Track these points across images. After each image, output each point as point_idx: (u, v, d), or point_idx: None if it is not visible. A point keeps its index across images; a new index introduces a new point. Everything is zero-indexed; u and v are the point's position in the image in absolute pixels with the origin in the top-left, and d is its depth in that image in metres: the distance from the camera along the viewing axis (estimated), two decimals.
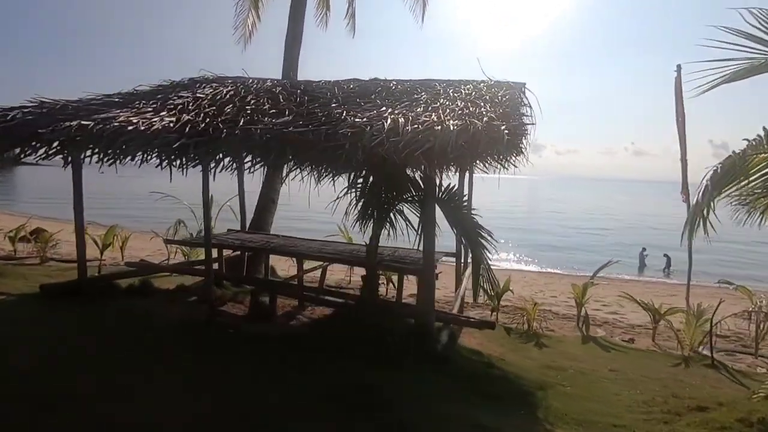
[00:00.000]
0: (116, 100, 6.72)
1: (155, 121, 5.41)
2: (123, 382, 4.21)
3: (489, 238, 5.03)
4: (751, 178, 4.19)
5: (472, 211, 5.06)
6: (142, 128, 5.18)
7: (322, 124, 4.90)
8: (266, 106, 5.96)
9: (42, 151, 5.47)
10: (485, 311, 8.81)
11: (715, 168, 4.16)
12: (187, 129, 5.09)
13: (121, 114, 5.70)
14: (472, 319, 6.41)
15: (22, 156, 5.63)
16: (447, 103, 5.79)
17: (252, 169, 5.27)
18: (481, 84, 7.07)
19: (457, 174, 6.56)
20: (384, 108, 5.48)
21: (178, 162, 5.15)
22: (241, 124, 5.17)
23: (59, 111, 5.97)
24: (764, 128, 4.13)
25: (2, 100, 7.65)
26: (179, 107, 6.09)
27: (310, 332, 5.61)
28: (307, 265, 8.45)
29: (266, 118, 5.44)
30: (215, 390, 4.18)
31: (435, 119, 4.88)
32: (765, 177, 4.09)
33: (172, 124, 5.18)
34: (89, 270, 9.41)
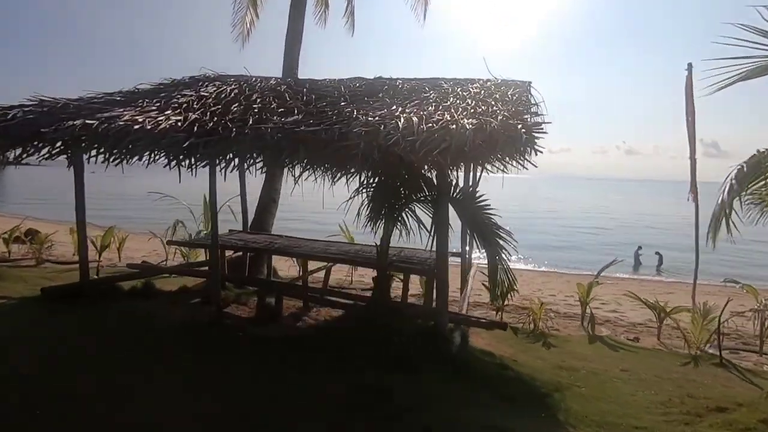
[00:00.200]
0: (118, 98, 6.59)
1: (161, 120, 5.31)
2: (133, 387, 4.12)
3: (508, 238, 4.96)
4: None
5: (491, 211, 4.99)
6: (149, 127, 5.08)
7: (334, 123, 4.83)
8: (273, 105, 5.88)
9: (45, 150, 5.33)
10: (489, 311, 8.78)
11: (740, 166, 4.13)
12: (195, 128, 5.00)
13: (125, 113, 5.59)
14: (483, 320, 6.36)
15: (24, 156, 5.49)
16: (457, 101, 5.73)
17: (263, 170, 5.16)
18: (488, 83, 7.03)
19: (461, 173, 6.51)
20: (394, 107, 5.42)
21: (187, 162, 5.02)
22: (250, 123, 5.08)
23: (60, 110, 5.84)
24: None
25: None
26: (184, 106, 5.99)
27: (321, 334, 5.52)
28: (311, 265, 8.37)
29: (275, 117, 5.35)
30: (236, 396, 4.09)
31: (448, 118, 4.82)
32: None
33: (179, 124, 5.08)
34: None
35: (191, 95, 6.48)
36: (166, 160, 4.98)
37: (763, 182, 4.02)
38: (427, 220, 5.63)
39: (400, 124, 4.55)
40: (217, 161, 5.33)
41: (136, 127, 5.06)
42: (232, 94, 6.53)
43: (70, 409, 3.67)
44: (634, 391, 5.01)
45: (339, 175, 5.40)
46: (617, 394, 4.85)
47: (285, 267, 10.52)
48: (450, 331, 5.42)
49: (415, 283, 8.37)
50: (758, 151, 4.07)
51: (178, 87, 7.19)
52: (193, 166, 5.04)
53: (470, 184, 5.27)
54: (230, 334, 5.58)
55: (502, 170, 4.31)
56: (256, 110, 5.65)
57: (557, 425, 3.96)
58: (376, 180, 5.28)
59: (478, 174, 4.58)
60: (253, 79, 7.71)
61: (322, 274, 8.44)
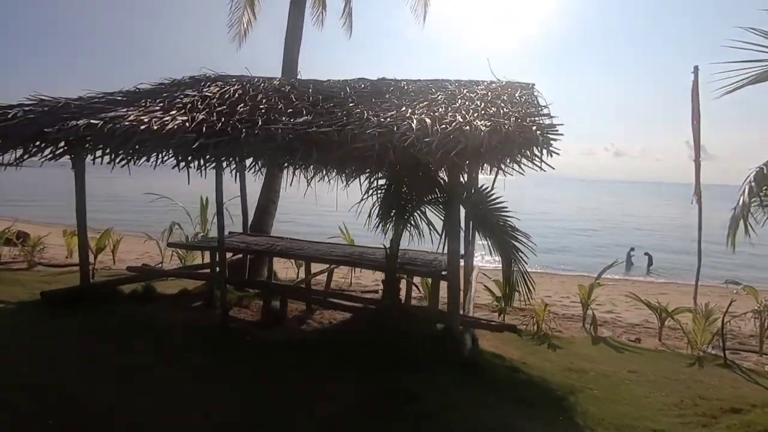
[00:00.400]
0: (119, 98, 6.47)
1: (167, 121, 5.21)
2: (151, 395, 4.01)
3: (525, 241, 4.94)
4: None
5: (507, 213, 4.96)
6: (155, 128, 4.98)
7: (346, 124, 4.76)
8: (280, 106, 5.80)
9: (48, 151, 5.20)
10: (489, 313, 8.77)
11: (760, 168, 4.16)
12: (204, 129, 4.91)
13: (129, 113, 5.48)
14: (494, 323, 6.33)
15: (26, 157, 5.35)
16: (466, 103, 5.70)
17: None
18: (492, 84, 7.02)
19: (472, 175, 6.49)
20: (403, 108, 5.37)
21: (196, 163, 4.92)
22: (259, 124, 5.00)
23: (61, 109, 5.71)
24: None
25: None
26: (188, 106, 5.89)
27: (331, 339, 5.45)
28: (313, 267, 8.29)
29: (283, 118, 5.28)
30: (257, 404, 4.02)
31: (460, 119, 4.79)
32: None
33: (187, 124, 4.99)
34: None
35: (194, 95, 6.38)
36: (174, 161, 4.88)
37: None
38: (436, 222, 5.61)
39: (414, 126, 4.51)
40: (226, 162, 5.23)
41: (143, 127, 4.96)
42: (236, 95, 6.44)
43: (86, 420, 3.57)
44: (646, 393, 5.01)
45: (352, 176, 5.31)
46: (630, 396, 4.85)
47: (282, 269, 10.43)
48: (460, 333, 5.38)
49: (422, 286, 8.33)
50: None
51: (179, 87, 7.08)
52: (204, 167, 4.94)
53: (482, 186, 5.21)
54: (239, 339, 5.48)
55: (519, 172, 4.28)
56: (263, 111, 5.57)
57: (577, 429, 3.94)
58: (387, 181, 5.22)
59: (493, 176, 4.56)
60: (255, 79, 7.62)
61: (321, 276, 8.36)
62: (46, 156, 5.29)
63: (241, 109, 5.68)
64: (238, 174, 7.77)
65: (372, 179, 5.28)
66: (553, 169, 4.18)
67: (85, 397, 3.91)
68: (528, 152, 4.26)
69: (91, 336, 5.34)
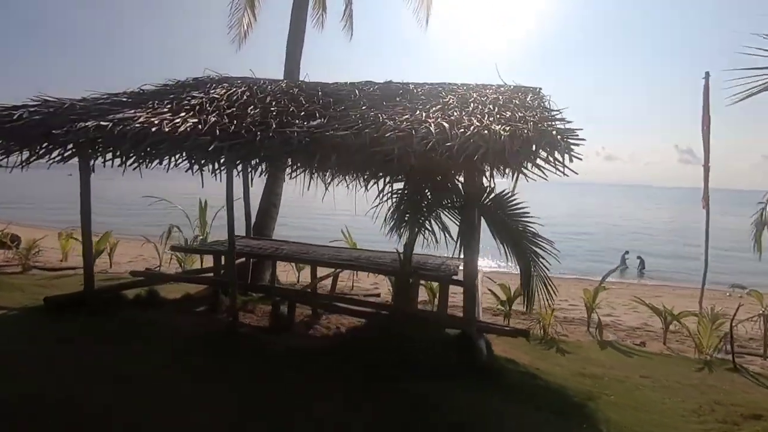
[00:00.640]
0: (124, 99, 6.36)
1: (178, 122, 5.12)
2: (173, 406, 3.89)
3: (547, 247, 4.89)
4: None
5: (528, 219, 4.92)
6: (167, 129, 4.88)
7: (363, 128, 4.70)
8: (291, 108, 5.72)
9: (56, 153, 5.07)
10: (492, 317, 8.74)
11: None
12: (218, 131, 4.82)
13: (138, 114, 5.37)
14: (506, 327, 6.29)
15: (32, 159, 5.21)
16: (479, 107, 5.67)
17: (293, 175, 5.00)
18: (501, 88, 6.99)
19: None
20: (418, 111, 5.32)
21: (210, 166, 4.83)
22: (273, 127, 4.92)
23: (67, 110, 5.59)
24: None
25: None
26: (197, 108, 5.79)
27: (345, 345, 5.35)
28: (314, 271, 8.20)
29: (296, 121, 5.21)
30: (282, 416, 3.92)
31: (477, 123, 4.75)
32: None
33: (200, 126, 4.89)
34: (78, 279, 8.95)
35: (202, 97, 6.28)
36: (188, 164, 4.78)
37: None
38: (449, 226, 5.56)
39: (433, 129, 4.46)
40: (241, 166, 5.14)
41: (154, 129, 4.86)
42: (244, 97, 6.35)
43: None
44: (662, 398, 5.00)
45: (370, 180, 5.23)
46: (647, 402, 4.83)
47: (282, 273, 10.32)
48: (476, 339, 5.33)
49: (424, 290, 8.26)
50: None
51: (185, 88, 6.97)
52: (218, 171, 4.85)
53: (503, 191, 5.14)
54: (252, 346, 5.35)
55: (543, 177, 4.25)
56: (274, 113, 5.49)
57: None
58: (402, 185, 5.16)
59: (506, 180, 4.53)
60: (261, 81, 7.53)
61: (323, 280, 8.27)
62: (54, 158, 5.16)
63: (252, 112, 5.60)
64: (242, 177, 7.69)
65: (387, 183, 5.20)
66: (576, 174, 4.15)
67: (100, 407, 3.79)
68: (550, 157, 4.22)
69: (101, 343, 5.17)
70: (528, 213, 4.96)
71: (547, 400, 4.57)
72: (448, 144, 4.14)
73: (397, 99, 6.24)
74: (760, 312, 7.68)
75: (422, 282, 7.36)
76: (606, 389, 5.14)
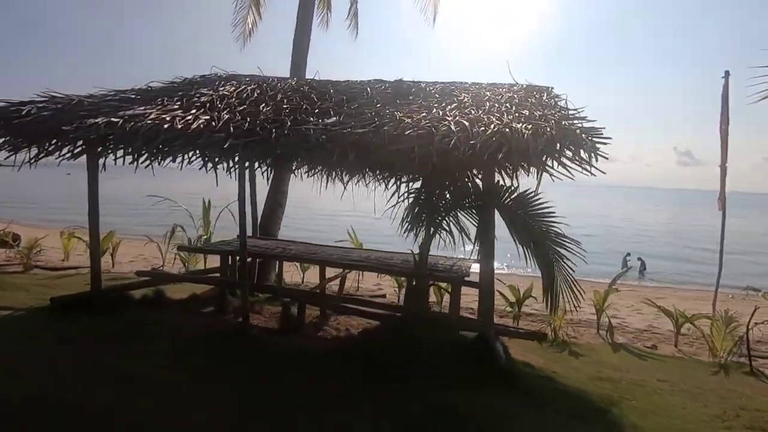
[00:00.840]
0: (132, 96, 6.24)
1: (189, 119, 5.01)
2: (197, 419, 3.76)
3: (572, 247, 4.80)
4: None
5: (552, 219, 4.82)
6: (180, 126, 4.77)
7: (381, 126, 4.60)
8: (304, 106, 5.62)
9: (66, 150, 4.95)
10: (499, 318, 8.64)
11: None
12: (232, 128, 4.71)
13: (148, 111, 5.26)
14: (521, 330, 6.19)
15: (41, 156, 5.09)
16: (496, 105, 5.58)
17: (310, 173, 4.89)
18: (514, 87, 6.90)
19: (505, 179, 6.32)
20: (434, 110, 5.22)
21: (225, 164, 4.72)
22: (288, 124, 4.82)
23: (76, 107, 5.47)
24: None
25: None
26: (207, 105, 5.68)
27: (359, 348, 5.23)
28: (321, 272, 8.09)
29: (311, 118, 5.11)
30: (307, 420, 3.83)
31: (497, 122, 4.66)
32: None
33: (213, 123, 4.78)
34: (82, 279, 8.82)
35: (211, 94, 6.17)
36: (201, 162, 4.66)
37: None
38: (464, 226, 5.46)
39: (454, 127, 4.37)
40: (249, 165, 5.03)
41: (166, 126, 4.75)
42: (255, 94, 6.25)
43: None
44: (683, 403, 4.90)
45: (387, 179, 5.14)
46: (668, 407, 4.74)
47: (286, 273, 10.20)
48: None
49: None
50: None
51: (193, 86, 6.85)
52: (233, 169, 4.74)
53: (526, 190, 5.03)
54: (264, 348, 5.23)
55: (569, 177, 4.16)
56: (288, 110, 5.39)
57: None
58: (419, 185, 5.06)
59: (537, 180, 4.43)
60: (270, 79, 7.42)
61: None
62: (64, 155, 5.04)
63: (264, 109, 5.50)
64: (248, 176, 7.58)
65: (404, 182, 5.10)
66: (604, 173, 4.06)
67: (118, 412, 3.67)
68: (576, 156, 4.12)
69: (109, 343, 5.06)
70: (553, 213, 4.86)
71: (568, 404, 4.47)
72: (472, 142, 4.04)
73: (410, 97, 6.14)
74: None
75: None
76: (625, 393, 5.04)
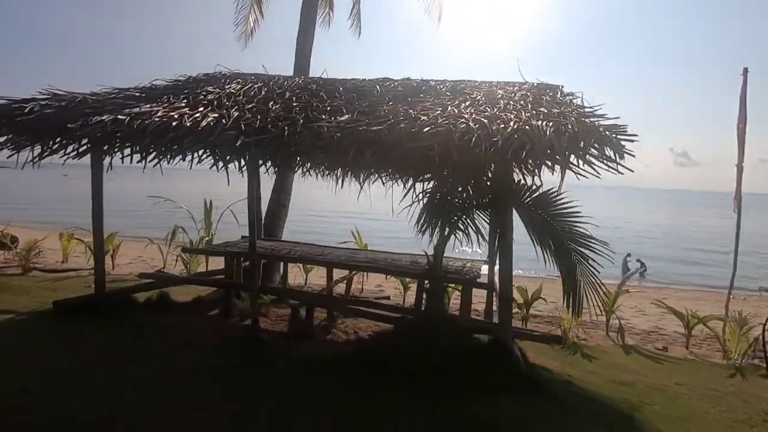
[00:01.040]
0: (137, 94, 6.08)
1: (198, 117, 4.86)
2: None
3: (598, 247, 4.67)
4: None
5: (577, 219, 4.69)
6: (189, 124, 4.62)
7: (396, 123, 4.47)
8: (315, 104, 5.48)
9: (71, 148, 4.79)
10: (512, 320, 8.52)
11: None
12: (243, 126, 4.57)
13: (155, 109, 5.10)
14: (536, 333, 6.07)
15: (45, 154, 4.93)
16: (511, 103, 5.45)
17: (324, 172, 4.75)
18: (525, 85, 6.79)
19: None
20: (449, 108, 5.09)
21: (236, 163, 4.57)
22: (301, 122, 4.68)
23: (80, 104, 5.31)
24: None
25: None
26: (215, 102, 5.53)
27: (372, 353, 5.08)
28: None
29: (323, 116, 4.97)
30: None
31: (515, 119, 4.53)
32: None
33: (224, 120, 4.64)
34: (82, 281, 8.65)
35: (218, 92, 6.02)
36: (212, 160, 4.51)
37: None
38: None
39: (473, 125, 4.24)
40: (252, 164, 4.88)
41: (175, 123, 4.60)
42: (263, 92, 6.09)
43: None
44: (706, 408, 4.79)
45: (403, 178, 5.00)
46: (692, 412, 4.62)
47: (289, 275, 10.07)
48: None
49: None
50: None
51: (198, 84, 6.69)
52: (245, 168, 4.59)
53: (549, 189, 4.90)
54: (276, 354, 5.08)
55: (595, 175, 4.04)
56: (298, 108, 5.25)
57: None
58: (434, 184, 4.92)
59: (560, 178, 4.30)
60: (276, 77, 7.28)
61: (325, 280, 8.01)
62: (68, 154, 4.88)
63: (273, 107, 5.35)
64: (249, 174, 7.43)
65: (419, 181, 4.97)
66: (632, 171, 3.94)
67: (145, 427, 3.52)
68: (602, 154, 4.00)
69: (122, 350, 4.90)
70: (578, 212, 4.73)
71: (592, 411, 4.35)
72: (495, 139, 3.91)
73: (421, 95, 6.01)
74: None
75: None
76: (646, 398, 4.92)
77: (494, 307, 7.32)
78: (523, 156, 3.87)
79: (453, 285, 7.27)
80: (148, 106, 5.23)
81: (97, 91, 6.09)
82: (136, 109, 4.97)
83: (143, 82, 6.54)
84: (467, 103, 5.38)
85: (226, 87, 6.32)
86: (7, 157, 4.93)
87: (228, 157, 4.52)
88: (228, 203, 10.79)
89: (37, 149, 4.99)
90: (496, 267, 7.78)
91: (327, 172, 6.04)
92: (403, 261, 7.08)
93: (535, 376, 4.69)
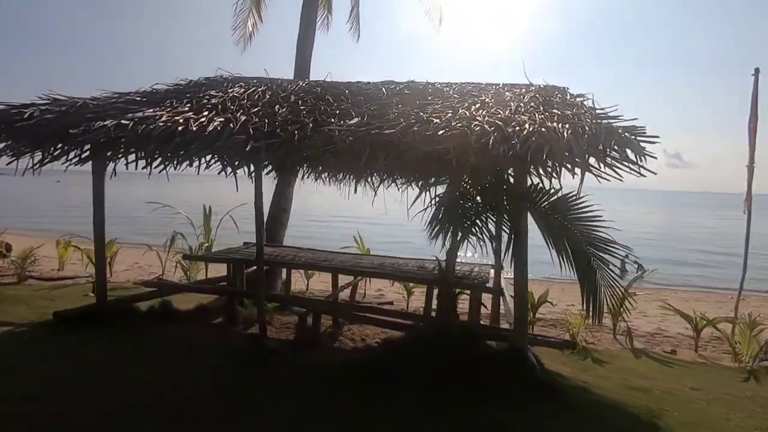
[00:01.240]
0: (138, 98, 5.94)
1: (203, 121, 4.74)
2: None
3: (619, 252, 4.58)
4: None
5: (597, 223, 4.60)
6: (195, 128, 4.50)
7: (408, 126, 4.37)
8: (322, 107, 5.37)
9: (73, 154, 4.65)
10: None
11: None
12: (251, 130, 4.45)
13: (158, 113, 4.97)
14: (551, 338, 5.97)
15: (46, 161, 4.79)
16: (521, 105, 5.36)
17: (336, 177, 4.64)
18: (532, 87, 6.71)
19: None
20: (461, 110, 5.00)
21: (246, 168, 4.46)
22: (310, 126, 4.57)
23: (81, 109, 5.16)
24: None
25: None
26: (219, 107, 5.41)
27: (375, 357, 4.96)
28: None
29: (332, 120, 4.86)
30: None
31: (530, 121, 4.44)
32: None
33: (231, 125, 4.52)
34: (79, 289, 8.47)
35: (221, 96, 5.90)
36: (220, 166, 4.39)
37: None
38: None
39: (488, 127, 4.15)
40: (256, 169, 4.76)
41: (180, 128, 4.47)
42: (267, 96, 5.98)
43: None
44: (725, 414, 4.70)
45: (419, 182, 4.90)
46: (711, 419, 4.54)
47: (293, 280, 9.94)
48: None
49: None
50: None
51: (200, 87, 6.56)
52: (254, 173, 4.46)
53: (569, 192, 4.81)
54: (286, 362, 4.96)
55: (617, 178, 3.96)
56: (305, 112, 5.14)
57: None
58: (447, 188, 4.82)
59: (579, 181, 4.22)
60: (278, 81, 7.16)
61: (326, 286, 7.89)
62: (70, 160, 4.74)
63: (280, 111, 5.24)
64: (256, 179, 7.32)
65: (432, 185, 4.87)
66: (655, 174, 3.86)
67: None
68: (623, 156, 3.92)
69: (126, 361, 4.75)
70: (599, 216, 4.64)
71: (612, 418, 4.25)
72: (513, 142, 3.82)
73: (429, 98, 5.92)
74: None
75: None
76: (662, 404, 4.82)
77: (501, 311, 7.23)
78: (542, 159, 3.77)
79: (461, 290, 7.16)
80: (152, 110, 5.09)
81: (97, 96, 5.95)
82: (140, 114, 4.84)
83: (143, 83, 6.43)
84: (477, 106, 5.29)
85: (229, 91, 6.19)
86: (7, 164, 4.78)
87: (237, 162, 4.40)
88: (227, 209, 10.66)
89: (38, 156, 4.86)
90: (502, 272, 7.74)
91: (334, 177, 5.93)
92: (410, 266, 6.97)
93: (551, 383, 4.58)
